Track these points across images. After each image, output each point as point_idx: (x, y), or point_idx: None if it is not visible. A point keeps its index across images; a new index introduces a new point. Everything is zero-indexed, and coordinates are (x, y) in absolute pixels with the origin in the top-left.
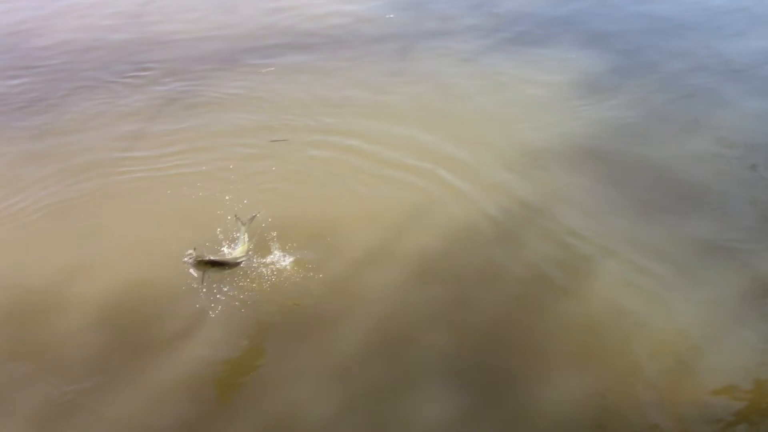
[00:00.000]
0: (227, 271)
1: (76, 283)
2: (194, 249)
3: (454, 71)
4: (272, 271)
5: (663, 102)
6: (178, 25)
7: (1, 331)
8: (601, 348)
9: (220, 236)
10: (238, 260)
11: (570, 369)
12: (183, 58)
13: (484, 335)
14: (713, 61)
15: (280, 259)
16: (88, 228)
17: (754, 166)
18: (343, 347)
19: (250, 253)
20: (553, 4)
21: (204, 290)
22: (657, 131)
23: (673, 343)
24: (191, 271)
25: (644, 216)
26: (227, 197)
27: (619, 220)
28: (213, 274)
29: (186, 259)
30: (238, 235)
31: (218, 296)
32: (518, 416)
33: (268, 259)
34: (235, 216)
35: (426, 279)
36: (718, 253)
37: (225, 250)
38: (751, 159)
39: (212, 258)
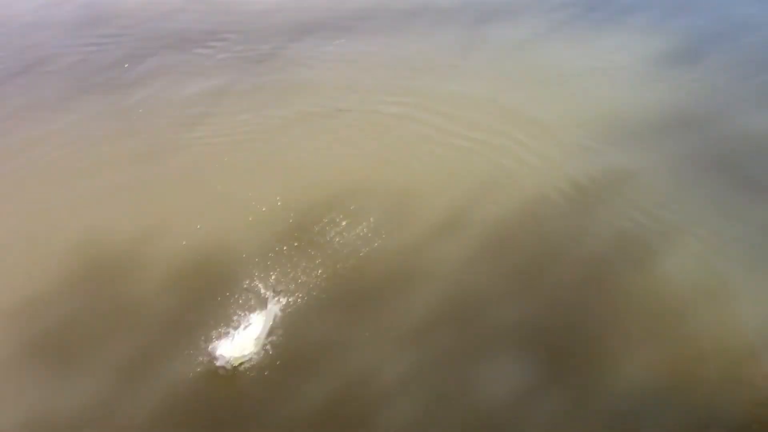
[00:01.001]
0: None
1: (155, 241)
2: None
3: (535, 40)
4: (345, 237)
5: (757, 73)
6: None
7: (83, 288)
8: (675, 325)
9: (281, 207)
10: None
11: (642, 344)
12: (257, 28)
13: (556, 306)
14: None
15: (353, 227)
16: (165, 187)
17: None
18: (416, 312)
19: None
20: None
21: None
22: (747, 105)
23: (748, 323)
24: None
25: (725, 194)
26: (301, 159)
27: (700, 197)
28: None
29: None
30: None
31: (292, 262)
32: (588, 387)
33: (342, 227)
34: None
35: (499, 248)
36: None
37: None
38: None
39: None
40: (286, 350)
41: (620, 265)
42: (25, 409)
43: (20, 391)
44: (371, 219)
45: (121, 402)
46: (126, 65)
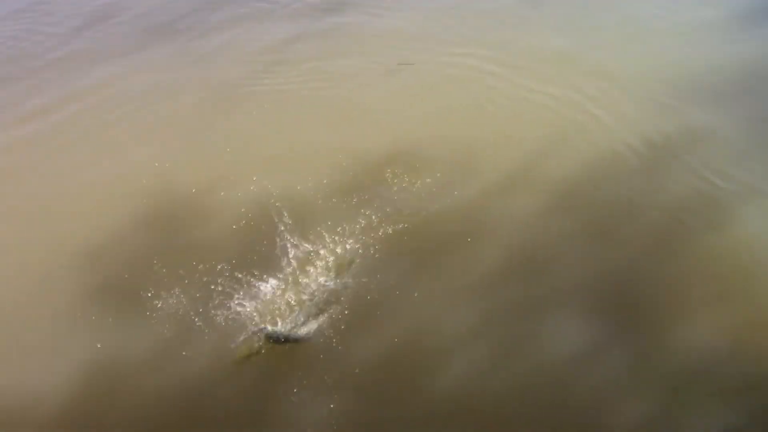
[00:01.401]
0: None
1: (222, 189)
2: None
3: None
4: (411, 191)
5: None
6: None
7: (149, 236)
8: (745, 288)
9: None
10: (303, 337)
11: (709, 306)
12: None
13: (620, 267)
14: None
15: (419, 181)
16: (232, 136)
17: None
18: (480, 267)
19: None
20: None
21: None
22: None
23: None
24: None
25: None
26: (368, 110)
27: None
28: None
29: (263, 328)
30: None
31: (358, 216)
32: (649, 350)
33: (407, 180)
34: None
35: (564, 206)
36: None
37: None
38: None
39: (283, 337)
40: (352, 303)
41: (691, 225)
42: (93, 351)
43: (89, 334)
44: (438, 173)
45: (184, 348)
46: (189, 19)
